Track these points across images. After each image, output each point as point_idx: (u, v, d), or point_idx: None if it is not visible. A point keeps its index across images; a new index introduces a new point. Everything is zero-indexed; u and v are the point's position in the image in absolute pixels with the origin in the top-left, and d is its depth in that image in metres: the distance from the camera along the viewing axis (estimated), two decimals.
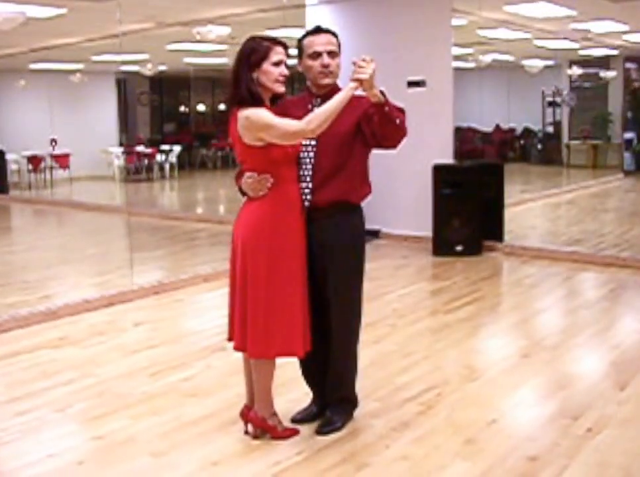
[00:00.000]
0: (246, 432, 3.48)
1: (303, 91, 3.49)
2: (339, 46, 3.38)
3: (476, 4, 8.22)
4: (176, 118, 18.85)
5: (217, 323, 5.41)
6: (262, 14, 8.50)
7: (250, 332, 3.25)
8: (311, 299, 3.36)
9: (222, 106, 19.37)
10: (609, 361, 4.55)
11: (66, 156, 14.59)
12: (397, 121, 3.17)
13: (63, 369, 4.50)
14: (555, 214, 11.18)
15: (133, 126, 17.57)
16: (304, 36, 3.38)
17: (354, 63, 3.09)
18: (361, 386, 4.05)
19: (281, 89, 3.24)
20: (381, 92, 3.13)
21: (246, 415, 3.46)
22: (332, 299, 3.39)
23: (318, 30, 3.37)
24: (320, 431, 3.48)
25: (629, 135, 15.62)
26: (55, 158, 14.70)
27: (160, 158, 15.97)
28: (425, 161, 7.74)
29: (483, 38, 11.41)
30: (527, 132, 17.75)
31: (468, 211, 7.51)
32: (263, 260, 3.22)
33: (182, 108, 18.76)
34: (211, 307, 6.16)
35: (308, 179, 3.34)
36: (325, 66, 3.30)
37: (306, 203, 3.34)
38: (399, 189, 8.35)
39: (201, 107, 18.76)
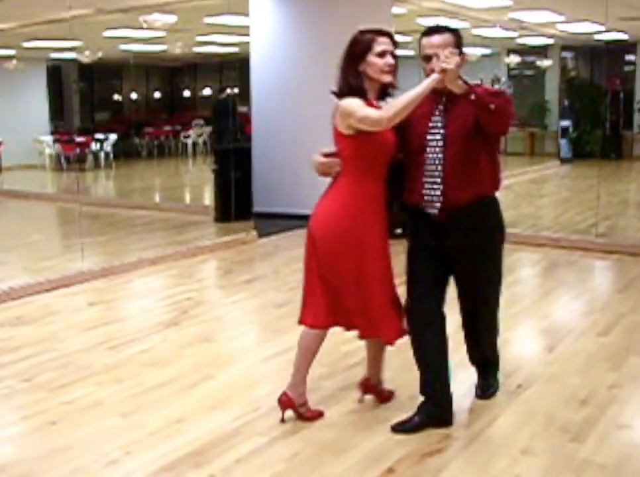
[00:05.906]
0: (361, 401, 3.73)
1: None
2: (457, 43, 3.22)
3: None
4: (108, 107, 18.63)
5: (168, 302, 5.62)
6: (205, 2, 8.59)
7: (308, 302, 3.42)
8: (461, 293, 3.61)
9: (157, 95, 19.30)
10: (540, 328, 4.97)
11: None
12: (492, 107, 3.05)
13: (24, 344, 4.63)
14: None
15: (64, 115, 17.34)
16: (421, 36, 3.28)
17: (438, 56, 3.05)
18: None
19: (387, 78, 3.21)
20: (465, 82, 3.05)
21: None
22: (478, 288, 3.56)
23: (430, 31, 3.27)
24: (483, 395, 3.73)
25: (565, 123, 15.97)
26: None
27: (94, 146, 15.83)
28: None
29: (423, 27, 11.69)
30: None
31: None
32: (330, 248, 3.29)
33: (115, 97, 18.56)
34: (159, 287, 6.35)
35: (437, 175, 3.27)
36: (433, 70, 3.11)
37: (441, 199, 3.28)
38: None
39: (134, 95, 18.62)
